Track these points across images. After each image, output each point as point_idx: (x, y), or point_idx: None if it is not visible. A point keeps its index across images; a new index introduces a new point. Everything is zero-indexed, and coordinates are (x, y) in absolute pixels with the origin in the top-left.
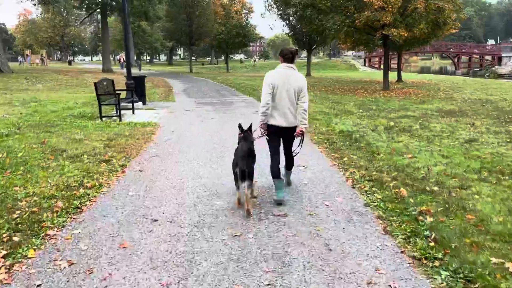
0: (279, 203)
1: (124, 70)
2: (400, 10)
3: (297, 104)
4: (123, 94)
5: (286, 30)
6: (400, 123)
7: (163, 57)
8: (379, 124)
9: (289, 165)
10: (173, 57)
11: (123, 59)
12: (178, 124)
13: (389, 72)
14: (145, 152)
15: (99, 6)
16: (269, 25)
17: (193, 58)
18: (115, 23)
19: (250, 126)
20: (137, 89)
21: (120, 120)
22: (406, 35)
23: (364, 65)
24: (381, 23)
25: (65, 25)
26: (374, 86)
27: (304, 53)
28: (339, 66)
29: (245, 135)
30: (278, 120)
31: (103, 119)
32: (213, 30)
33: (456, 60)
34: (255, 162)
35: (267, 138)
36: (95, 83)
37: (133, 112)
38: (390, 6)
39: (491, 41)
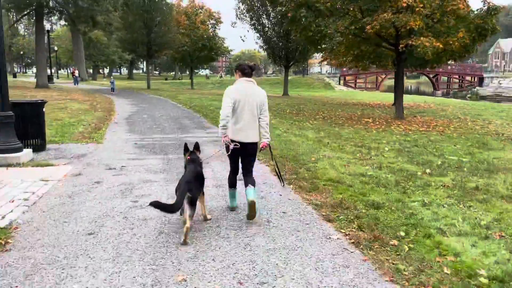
0: (232, 209)
1: (78, 86)
2: (429, 12)
3: (259, 118)
4: None
5: (260, 42)
6: None
7: (125, 71)
8: None
9: (251, 181)
10: (135, 71)
11: (77, 73)
12: (56, 241)
13: (369, 92)
14: None
15: (32, 7)
16: (240, 36)
17: (156, 72)
18: (68, 33)
19: (197, 144)
20: (29, 126)
21: None
22: (441, 46)
23: (339, 84)
24: (399, 32)
25: (12, 34)
26: (377, 112)
27: (270, 70)
28: (313, 84)
29: (193, 157)
30: (239, 136)
31: None
32: (176, 40)
33: (435, 80)
34: (203, 186)
35: (229, 152)
36: None
37: None
38: (421, 5)
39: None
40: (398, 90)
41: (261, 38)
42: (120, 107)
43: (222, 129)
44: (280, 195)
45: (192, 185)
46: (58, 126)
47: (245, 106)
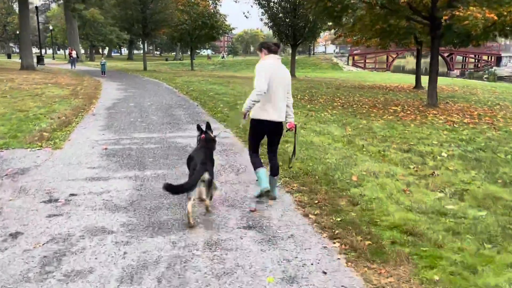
0: (262, 195)
1: (75, 68)
2: None
3: (287, 98)
4: None
5: (265, 19)
6: None
7: (125, 51)
8: None
9: (276, 170)
10: (136, 52)
11: (75, 54)
12: None
13: (384, 73)
14: None
15: None
16: (243, 12)
17: (157, 53)
18: (62, 11)
19: (208, 124)
20: None
21: None
22: (495, 18)
23: (347, 64)
24: (436, 2)
25: (7, 13)
26: (401, 97)
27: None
28: (320, 64)
29: (207, 136)
30: (271, 115)
31: None
32: (173, 18)
33: (449, 59)
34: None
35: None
36: None
37: None
38: None
39: None
40: (432, 72)
41: (265, 14)
42: (106, 93)
43: (251, 104)
44: (325, 272)
45: (208, 166)
46: (17, 120)
47: (279, 84)
